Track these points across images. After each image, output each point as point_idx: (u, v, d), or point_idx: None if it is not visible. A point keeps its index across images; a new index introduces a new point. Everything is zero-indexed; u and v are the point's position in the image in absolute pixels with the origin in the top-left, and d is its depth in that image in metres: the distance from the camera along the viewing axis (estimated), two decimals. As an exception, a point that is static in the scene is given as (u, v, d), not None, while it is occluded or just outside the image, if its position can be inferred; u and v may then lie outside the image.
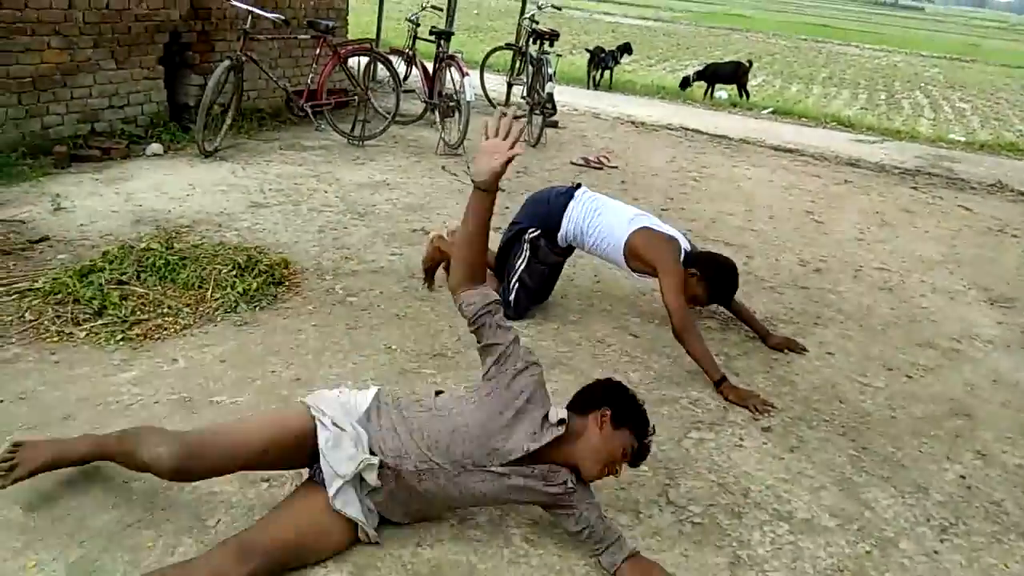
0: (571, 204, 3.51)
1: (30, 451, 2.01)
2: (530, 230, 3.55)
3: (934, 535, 2.34)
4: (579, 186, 3.65)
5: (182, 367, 2.84)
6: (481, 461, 1.96)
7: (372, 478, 1.95)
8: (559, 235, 3.52)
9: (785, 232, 5.44)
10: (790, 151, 8.42)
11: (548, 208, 3.56)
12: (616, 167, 6.88)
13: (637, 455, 2.04)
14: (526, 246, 3.54)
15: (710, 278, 3.27)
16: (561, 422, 1.99)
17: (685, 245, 3.38)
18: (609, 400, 2.06)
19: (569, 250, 3.67)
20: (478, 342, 2.07)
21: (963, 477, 2.66)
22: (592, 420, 2.03)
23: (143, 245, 3.57)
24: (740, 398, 2.96)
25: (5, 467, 1.95)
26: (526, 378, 2.00)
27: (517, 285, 3.53)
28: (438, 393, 2.22)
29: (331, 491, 1.93)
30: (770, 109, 11.83)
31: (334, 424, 1.97)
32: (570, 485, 2.01)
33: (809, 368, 3.38)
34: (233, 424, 2.16)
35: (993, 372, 3.53)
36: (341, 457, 1.93)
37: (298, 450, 2.00)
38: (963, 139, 11.17)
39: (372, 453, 1.96)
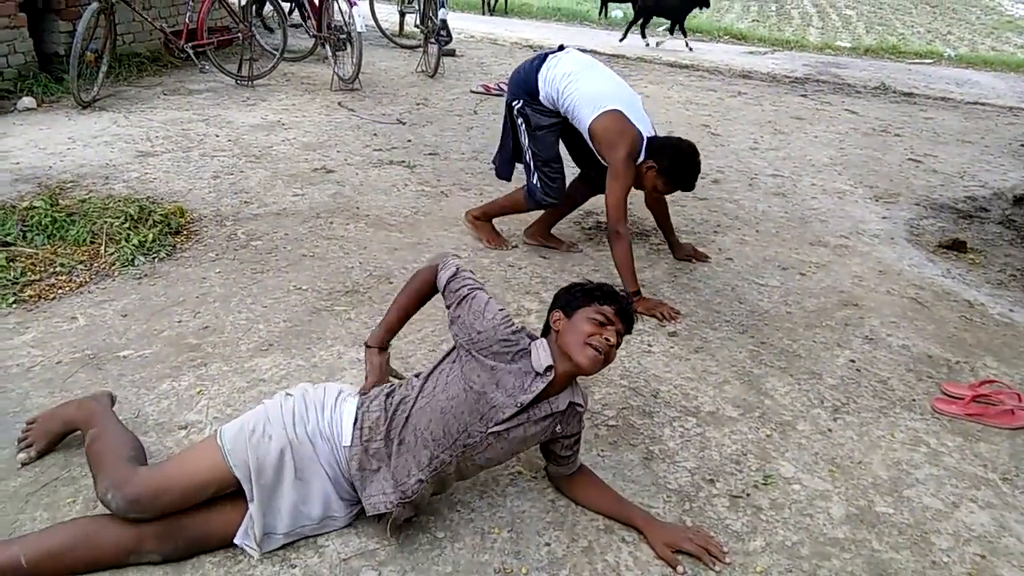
0: (543, 67, 3.35)
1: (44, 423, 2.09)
2: (514, 102, 3.43)
3: (828, 415, 2.53)
4: (561, 47, 3.50)
5: (82, 325, 2.75)
6: (479, 427, 1.86)
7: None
8: (540, 98, 3.35)
9: (684, 146, 5.56)
10: (686, 67, 8.54)
11: (524, 75, 3.41)
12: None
13: (621, 317, 1.92)
14: (519, 120, 3.43)
15: (668, 169, 3.18)
16: (549, 369, 1.87)
17: (648, 133, 3.24)
18: (555, 304, 2.00)
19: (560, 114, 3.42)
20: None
21: (853, 361, 2.86)
22: (552, 330, 1.96)
23: (26, 204, 3.38)
24: (648, 308, 3.07)
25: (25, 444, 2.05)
26: (490, 328, 1.86)
27: (536, 165, 3.44)
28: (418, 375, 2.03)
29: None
30: (664, 27, 11.91)
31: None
32: (580, 408, 1.97)
33: (710, 274, 3.53)
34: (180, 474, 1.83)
35: (879, 263, 3.77)
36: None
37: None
38: (849, 45, 11.55)
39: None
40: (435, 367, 1.96)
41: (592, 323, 1.89)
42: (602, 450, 2.30)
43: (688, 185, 3.29)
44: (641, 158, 3.20)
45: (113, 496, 1.72)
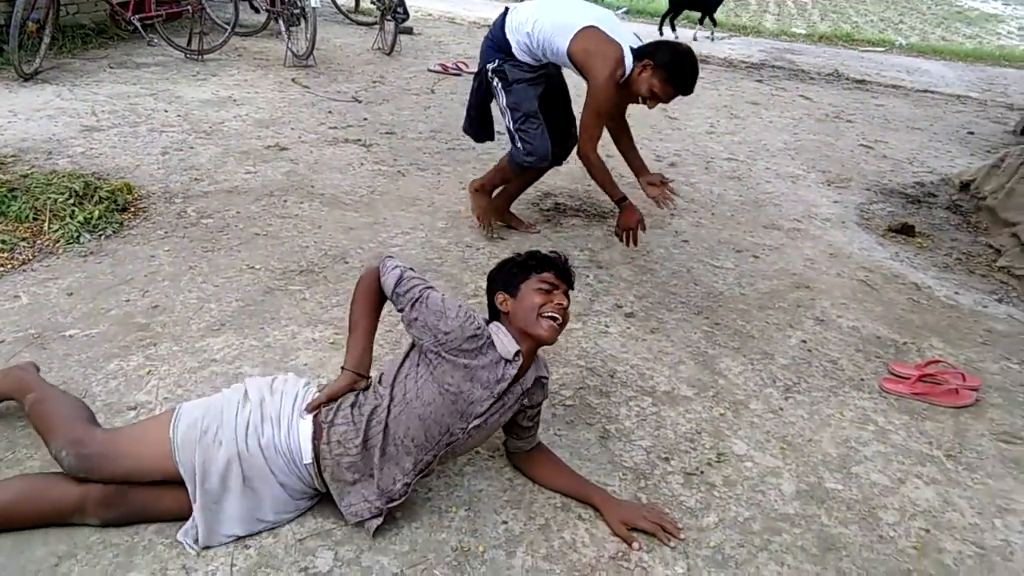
0: (507, 20, 3.22)
1: None
2: (488, 64, 3.28)
3: (779, 394, 2.58)
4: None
5: (25, 303, 2.65)
6: (459, 425, 1.84)
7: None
8: (514, 51, 3.19)
9: (641, 130, 5.58)
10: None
11: (491, 37, 3.27)
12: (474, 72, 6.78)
13: (559, 274, 1.94)
14: (494, 80, 3.29)
15: (666, 64, 2.92)
16: (517, 354, 1.86)
17: (632, 44, 3.05)
18: (493, 285, 1.99)
19: (539, 63, 3.26)
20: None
21: (804, 342, 2.92)
22: (501, 311, 1.94)
23: (-38, 178, 3.24)
24: (626, 223, 3.24)
25: None
26: (456, 328, 1.81)
27: (516, 126, 3.27)
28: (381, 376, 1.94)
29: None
30: (623, 9, 11.92)
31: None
32: (546, 379, 2.03)
33: (666, 256, 3.56)
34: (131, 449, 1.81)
35: (830, 247, 3.84)
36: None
37: None
38: (804, 32, 11.70)
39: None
40: (398, 371, 1.88)
41: (539, 293, 1.89)
42: (559, 429, 2.31)
43: (688, 86, 2.98)
44: (627, 69, 3.00)
45: (67, 453, 1.73)
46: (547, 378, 2.04)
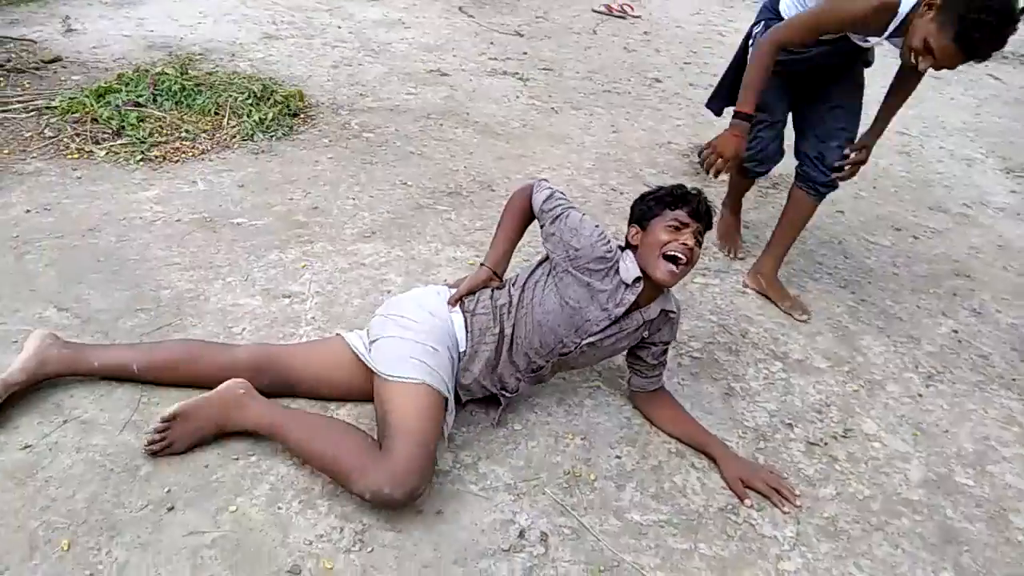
0: None
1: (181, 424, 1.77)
2: (753, 28, 2.66)
3: (920, 381, 2.46)
4: None
5: (202, 189, 2.89)
6: (573, 339, 1.90)
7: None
8: (782, 14, 2.53)
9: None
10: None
11: None
12: (639, 16, 6.64)
13: (693, 213, 1.88)
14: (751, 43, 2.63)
15: (959, 7, 1.96)
16: (638, 280, 1.88)
17: None
18: (631, 217, 2.00)
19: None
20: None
21: (955, 331, 2.75)
22: (631, 244, 1.95)
23: (158, 70, 3.52)
24: (723, 146, 2.45)
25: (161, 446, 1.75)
26: (587, 245, 1.87)
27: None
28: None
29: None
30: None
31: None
32: (673, 314, 2.00)
33: (818, 224, 3.41)
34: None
35: (999, 238, 3.56)
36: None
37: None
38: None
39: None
40: (528, 276, 1.97)
41: (668, 231, 1.86)
42: (683, 379, 2.31)
43: (981, 46, 2.00)
44: (901, 11, 2.14)
45: (391, 491, 1.63)
46: (675, 314, 2.01)
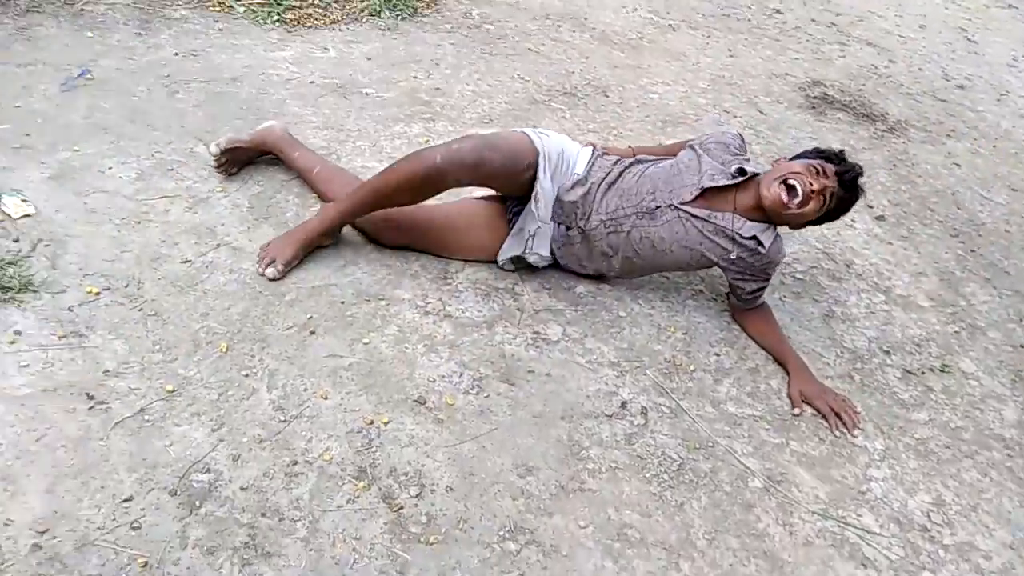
0: None
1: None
2: None
3: (1023, 332, 2.46)
4: None
5: (333, 56, 2.97)
6: (664, 196, 1.96)
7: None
8: None
9: (934, 44, 5.10)
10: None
11: None
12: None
13: (839, 177, 1.94)
14: None
15: None
16: (740, 172, 1.95)
17: None
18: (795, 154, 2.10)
19: None
20: None
21: (1064, 293, 2.72)
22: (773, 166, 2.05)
23: (295, -65, 3.57)
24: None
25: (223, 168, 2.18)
26: (719, 133, 2.11)
27: None
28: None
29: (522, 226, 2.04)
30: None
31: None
32: (762, 249, 1.96)
33: (933, 174, 3.35)
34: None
35: (1122, 213, 3.45)
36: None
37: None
38: None
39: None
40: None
41: (804, 166, 1.93)
42: (784, 296, 2.36)
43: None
44: None
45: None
46: (763, 247, 1.96)
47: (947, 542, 1.70)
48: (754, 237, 1.96)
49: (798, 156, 2.06)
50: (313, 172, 2.15)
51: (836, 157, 2.01)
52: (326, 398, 1.65)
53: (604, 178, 2.02)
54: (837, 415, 1.93)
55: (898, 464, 1.86)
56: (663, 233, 1.97)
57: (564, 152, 2.04)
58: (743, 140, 2.11)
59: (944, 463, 1.89)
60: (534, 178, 1.97)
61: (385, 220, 2.03)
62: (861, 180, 2.00)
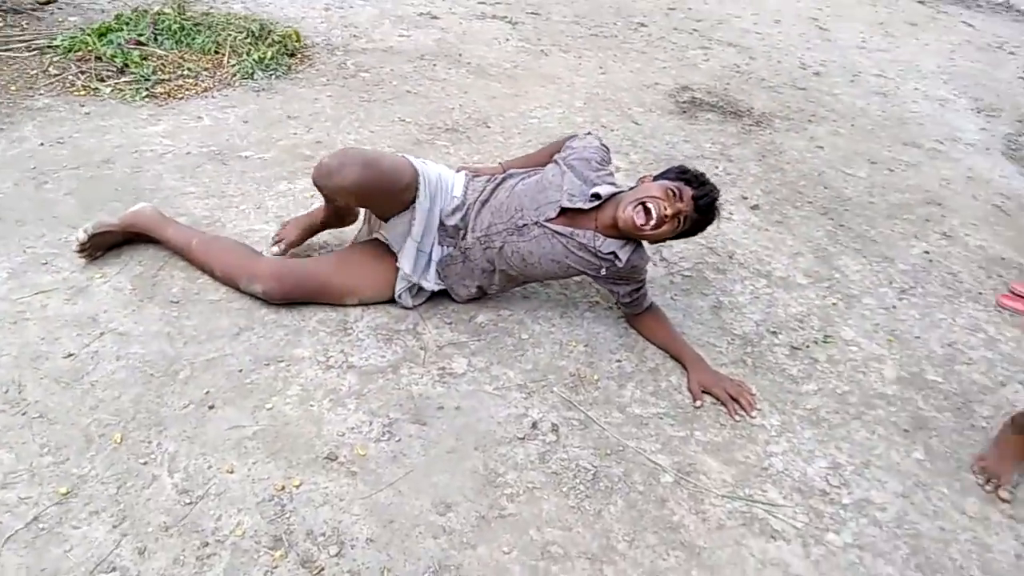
0: None
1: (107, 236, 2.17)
2: None
3: (894, 294, 2.64)
4: None
5: (208, 124, 2.97)
6: (531, 214, 2.05)
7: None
8: None
9: (789, 37, 5.44)
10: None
11: None
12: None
13: (695, 201, 2.02)
14: None
15: None
16: (595, 196, 2.04)
17: None
18: (657, 174, 2.18)
19: None
20: None
21: (927, 252, 2.94)
22: (636, 185, 2.15)
23: (156, 10, 3.56)
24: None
25: (86, 253, 2.13)
26: (580, 147, 2.18)
27: None
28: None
29: (403, 253, 2.09)
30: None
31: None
32: (618, 263, 2.05)
33: (799, 158, 3.57)
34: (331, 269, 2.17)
35: (969, 170, 3.75)
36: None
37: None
38: (979, -44, 10.76)
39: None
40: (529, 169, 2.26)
41: (662, 190, 2.01)
42: (675, 295, 2.47)
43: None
44: None
45: (261, 286, 2.08)
46: (620, 261, 2.05)
47: (846, 501, 1.82)
48: (612, 253, 2.06)
49: (662, 174, 2.13)
50: (191, 245, 2.15)
51: (695, 180, 2.09)
52: (232, 472, 1.65)
53: (478, 197, 2.13)
54: (735, 400, 2.04)
55: (794, 436, 1.98)
56: (531, 248, 2.07)
57: (442, 176, 2.15)
58: (607, 152, 2.19)
59: (835, 427, 2.02)
60: (413, 200, 2.04)
61: (279, 279, 2.05)
62: (718, 202, 2.11)
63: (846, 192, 3.32)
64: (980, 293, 2.72)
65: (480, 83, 3.81)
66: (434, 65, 3.92)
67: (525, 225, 2.06)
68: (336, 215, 2.29)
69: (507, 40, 4.47)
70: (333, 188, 1.93)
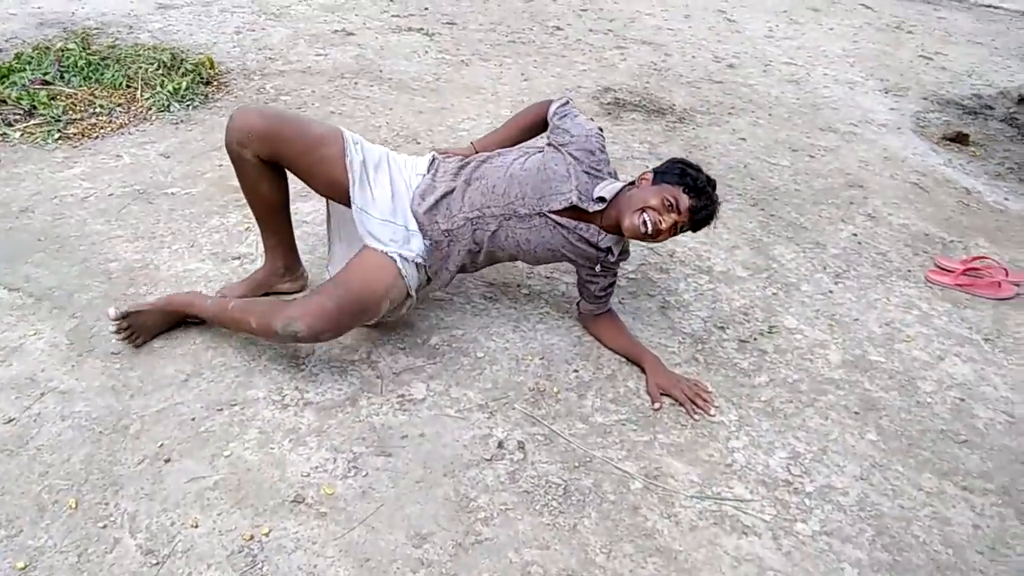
0: None
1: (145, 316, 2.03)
2: None
3: (830, 279, 2.73)
4: None
5: (128, 163, 2.86)
6: (534, 203, 2.03)
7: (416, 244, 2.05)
8: None
9: (700, 31, 5.57)
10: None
11: None
12: None
13: (691, 213, 2.01)
14: None
15: None
16: (600, 200, 2.02)
17: None
18: (661, 165, 2.13)
19: None
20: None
21: (855, 235, 3.05)
22: (636, 183, 2.10)
23: (59, 46, 3.41)
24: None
25: (126, 336, 2.00)
26: (582, 135, 2.06)
27: None
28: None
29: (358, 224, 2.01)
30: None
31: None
32: (611, 257, 2.10)
33: (724, 152, 3.66)
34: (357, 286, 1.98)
35: (884, 151, 3.91)
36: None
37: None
38: (868, -60, 11.24)
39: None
40: (510, 150, 2.18)
41: (660, 199, 1.97)
42: (623, 299, 2.50)
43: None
44: None
45: (296, 324, 1.84)
46: (613, 256, 2.12)
47: (809, 489, 1.87)
48: (608, 248, 2.10)
49: (663, 174, 2.07)
50: (227, 307, 1.99)
51: (694, 186, 2.03)
52: (197, 526, 1.59)
53: (458, 175, 2.08)
54: (692, 400, 2.07)
55: (753, 429, 2.02)
56: (529, 236, 2.06)
57: (391, 155, 2.12)
58: (602, 136, 2.11)
59: (790, 417, 2.08)
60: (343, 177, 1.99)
61: (320, 311, 1.87)
62: (718, 212, 2.10)
63: (772, 182, 3.42)
64: (909, 271, 2.84)
65: (404, 98, 3.78)
66: (355, 83, 3.87)
67: (527, 214, 2.04)
68: (274, 272, 2.21)
69: (426, 52, 4.45)
70: (237, 134, 1.96)
